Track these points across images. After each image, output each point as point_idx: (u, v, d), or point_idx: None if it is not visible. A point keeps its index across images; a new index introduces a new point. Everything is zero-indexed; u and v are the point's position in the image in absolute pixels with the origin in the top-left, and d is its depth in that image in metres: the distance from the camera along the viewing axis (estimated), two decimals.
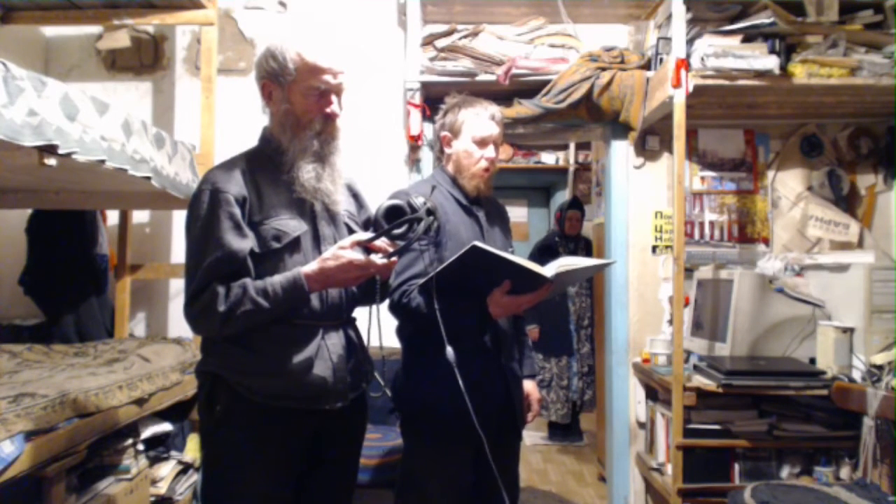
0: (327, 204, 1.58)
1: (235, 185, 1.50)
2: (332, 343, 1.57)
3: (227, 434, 1.51)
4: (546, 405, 4.45)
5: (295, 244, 1.53)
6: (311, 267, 1.48)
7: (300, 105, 1.54)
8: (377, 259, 1.48)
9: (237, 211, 1.47)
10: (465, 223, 1.87)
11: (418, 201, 1.58)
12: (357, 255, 1.47)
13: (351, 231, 1.64)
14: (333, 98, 1.56)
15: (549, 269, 1.58)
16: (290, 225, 1.53)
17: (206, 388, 1.54)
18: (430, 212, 1.57)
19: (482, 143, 1.88)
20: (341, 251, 1.47)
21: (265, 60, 1.55)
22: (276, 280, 1.46)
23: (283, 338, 1.51)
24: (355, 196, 1.76)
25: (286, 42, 1.54)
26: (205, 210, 1.47)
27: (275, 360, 1.50)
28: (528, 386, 2.03)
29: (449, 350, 1.58)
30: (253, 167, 1.55)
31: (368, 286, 1.60)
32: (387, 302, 1.77)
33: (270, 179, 1.55)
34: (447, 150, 1.94)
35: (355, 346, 1.64)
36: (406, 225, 1.52)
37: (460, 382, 1.55)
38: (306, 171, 1.53)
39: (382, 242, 1.51)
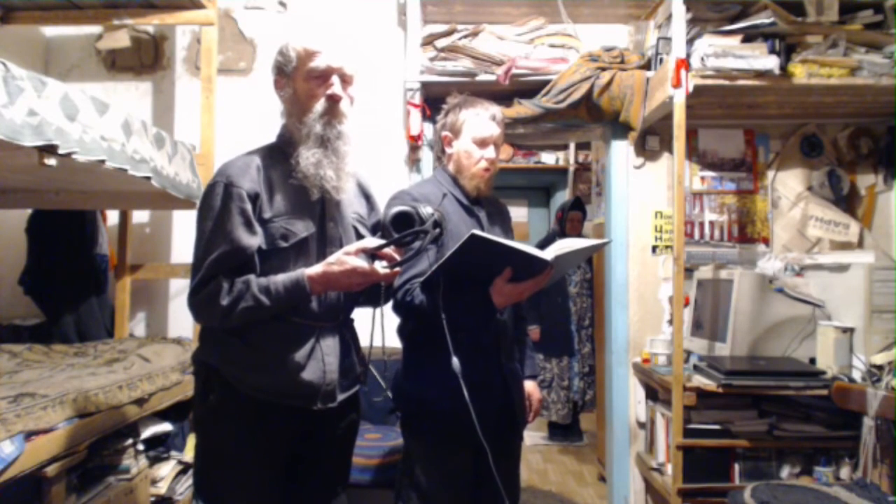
0: (329, 192, 1.56)
1: (249, 181, 1.50)
2: (327, 344, 1.57)
3: (220, 425, 1.53)
4: (547, 405, 4.45)
5: (302, 244, 1.54)
6: (315, 269, 1.48)
7: (302, 89, 1.56)
8: (381, 268, 1.48)
9: (249, 207, 1.48)
10: (466, 223, 1.86)
11: (426, 211, 1.56)
12: (361, 263, 1.46)
13: (358, 234, 1.65)
14: (335, 79, 1.56)
15: (548, 253, 1.59)
16: (299, 225, 1.54)
17: (201, 375, 1.57)
18: (437, 223, 1.55)
19: (482, 143, 1.88)
20: (346, 257, 1.47)
21: (275, 59, 1.61)
22: (280, 279, 1.47)
23: (278, 335, 1.52)
24: (367, 197, 1.76)
25: (291, 37, 1.58)
26: (217, 203, 1.48)
27: (268, 356, 1.51)
28: (529, 386, 2.03)
29: (455, 361, 1.57)
30: (268, 164, 1.56)
31: (372, 289, 1.60)
32: (390, 302, 1.77)
33: (284, 177, 1.55)
34: (448, 150, 1.94)
35: (349, 348, 1.65)
36: (413, 236, 1.52)
37: (465, 392, 1.54)
38: (305, 158, 1.53)
39: (389, 250, 1.50)
